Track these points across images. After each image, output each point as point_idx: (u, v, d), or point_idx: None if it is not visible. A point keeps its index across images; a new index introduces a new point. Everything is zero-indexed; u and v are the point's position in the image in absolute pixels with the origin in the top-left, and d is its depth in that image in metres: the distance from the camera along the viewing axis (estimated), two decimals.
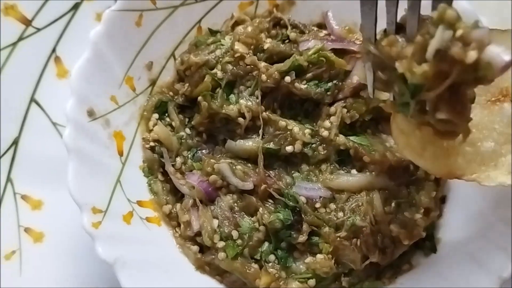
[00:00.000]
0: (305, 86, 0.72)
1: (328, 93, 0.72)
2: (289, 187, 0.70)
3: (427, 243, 0.71)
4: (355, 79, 0.72)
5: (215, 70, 0.72)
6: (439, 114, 0.50)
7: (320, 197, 0.69)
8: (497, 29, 0.55)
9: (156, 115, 0.75)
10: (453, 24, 0.47)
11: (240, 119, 0.71)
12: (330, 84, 0.72)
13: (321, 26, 0.80)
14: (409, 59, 0.49)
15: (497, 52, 0.47)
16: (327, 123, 0.72)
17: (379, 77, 0.55)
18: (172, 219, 0.71)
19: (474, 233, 0.69)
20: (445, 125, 0.51)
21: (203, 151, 0.74)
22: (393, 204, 0.69)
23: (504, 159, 0.55)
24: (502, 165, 0.55)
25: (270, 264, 0.68)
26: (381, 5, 0.64)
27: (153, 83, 0.76)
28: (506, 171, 0.55)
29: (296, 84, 0.72)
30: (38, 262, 0.75)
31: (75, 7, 0.83)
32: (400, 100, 0.53)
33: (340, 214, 0.68)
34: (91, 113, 0.67)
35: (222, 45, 0.75)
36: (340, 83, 0.73)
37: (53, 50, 0.82)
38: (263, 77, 0.71)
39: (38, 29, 0.82)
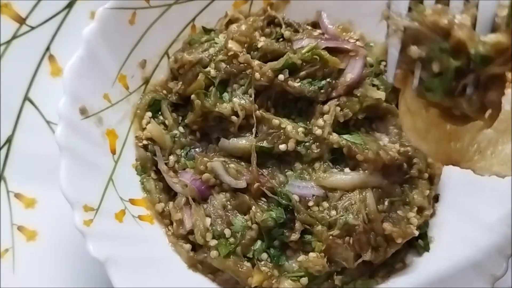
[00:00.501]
0: (299, 84, 0.72)
1: (322, 91, 0.72)
2: (282, 185, 0.70)
3: (420, 242, 0.71)
4: (348, 77, 0.72)
5: (208, 69, 0.72)
6: (491, 95, 0.46)
7: (313, 195, 0.69)
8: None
9: (149, 114, 0.75)
10: None
11: (234, 118, 0.71)
12: (323, 82, 0.72)
13: (316, 25, 0.80)
14: (470, 28, 0.45)
15: None
16: (320, 122, 0.72)
17: (406, 56, 0.49)
18: (164, 218, 0.71)
19: (467, 232, 0.69)
20: (470, 109, 0.47)
21: (197, 149, 0.74)
22: (386, 203, 0.69)
23: (501, 148, 0.54)
24: (498, 154, 0.54)
25: (262, 263, 0.68)
26: None
27: (146, 81, 0.76)
28: (502, 161, 0.53)
29: (290, 82, 0.72)
30: (31, 260, 0.75)
31: (69, 5, 0.83)
32: (431, 81, 0.48)
33: (333, 212, 0.68)
34: (83, 111, 0.67)
35: (216, 43, 0.75)
36: (334, 81, 0.72)
37: (47, 49, 0.82)
38: (257, 75, 0.71)
39: (32, 28, 0.82)
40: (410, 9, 0.48)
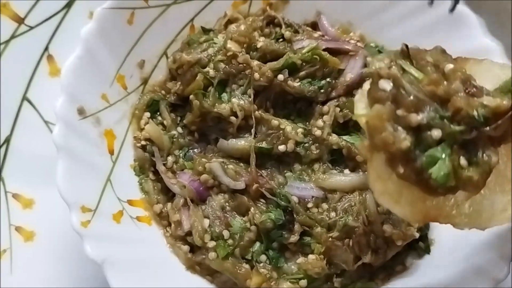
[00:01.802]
0: (298, 84, 0.71)
1: (322, 91, 0.72)
2: (281, 186, 0.69)
3: (421, 244, 0.71)
4: (348, 77, 0.72)
5: (207, 69, 0.72)
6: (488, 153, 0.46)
7: (313, 197, 0.69)
8: (474, 58, 0.54)
9: (147, 114, 0.74)
10: None
11: (232, 118, 0.71)
12: (323, 82, 0.72)
13: (315, 25, 0.80)
14: (466, 95, 0.46)
15: None
16: (320, 122, 0.71)
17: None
18: (163, 219, 0.71)
19: (468, 234, 0.68)
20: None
21: (195, 150, 0.74)
22: None
23: (479, 200, 0.51)
24: (476, 206, 0.51)
25: (261, 264, 0.67)
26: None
27: (145, 81, 0.75)
28: (479, 213, 0.51)
29: (289, 82, 0.71)
30: (29, 261, 0.75)
31: (68, 5, 0.83)
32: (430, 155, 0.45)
33: (333, 214, 0.68)
34: (81, 111, 0.67)
35: (215, 43, 0.74)
36: (334, 81, 0.72)
37: (46, 48, 0.82)
38: (256, 75, 0.70)
39: (31, 27, 0.82)
40: (403, 70, 0.47)
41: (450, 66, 0.48)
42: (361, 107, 0.47)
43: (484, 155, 0.47)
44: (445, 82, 0.46)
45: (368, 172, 0.49)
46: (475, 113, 0.45)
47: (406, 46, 0.49)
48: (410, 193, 0.48)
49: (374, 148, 0.46)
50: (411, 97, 0.45)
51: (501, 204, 0.51)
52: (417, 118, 0.44)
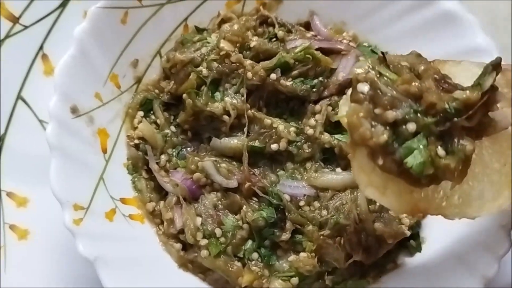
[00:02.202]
0: (291, 83, 0.72)
1: (314, 90, 0.72)
2: (273, 185, 0.70)
3: (412, 242, 0.71)
4: (340, 76, 0.72)
5: (200, 68, 0.72)
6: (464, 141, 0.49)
7: (304, 195, 0.69)
8: (452, 60, 0.56)
9: (141, 113, 0.75)
10: None
11: (225, 117, 0.71)
12: (315, 81, 0.72)
13: (308, 25, 0.81)
14: (437, 91, 0.50)
15: (503, 116, 0.52)
16: (312, 121, 0.72)
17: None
18: (155, 217, 0.71)
19: (459, 233, 0.69)
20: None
21: (188, 149, 0.74)
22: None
23: (468, 190, 0.53)
24: (466, 196, 0.53)
25: (253, 262, 0.68)
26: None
27: (138, 80, 0.76)
28: (470, 202, 0.53)
29: (282, 81, 0.72)
30: (23, 259, 0.75)
31: (63, 4, 0.83)
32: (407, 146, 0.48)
33: (324, 212, 0.68)
34: (74, 110, 0.67)
35: (208, 43, 0.75)
36: (326, 80, 0.73)
37: (41, 48, 0.82)
38: (249, 74, 0.71)
39: (26, 27, 0.82)
40: (380, 74, 0.50)
41: (422, 67, 0.52)
42: (344, 110, 0.51)
43: (460, 144, 0.49)
44: (418, 81, 0.50)
45: (352, 166, 0.52)
46: (446, 105, 0.49)
47: (383, 53, 0.53)
48: (395, 185, 0.50)
49: (355, 144, 0.49)
50: (387, 97, 0.49)
51: (489, 194, 0.53)
52: (393, 114, 0.48)
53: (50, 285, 0.75)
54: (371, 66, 0.50)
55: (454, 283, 0.66)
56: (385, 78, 0.50)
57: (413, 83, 0.49)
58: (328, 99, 0.72)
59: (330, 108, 0.72)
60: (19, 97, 0.81)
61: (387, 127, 0.48)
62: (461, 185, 0.52)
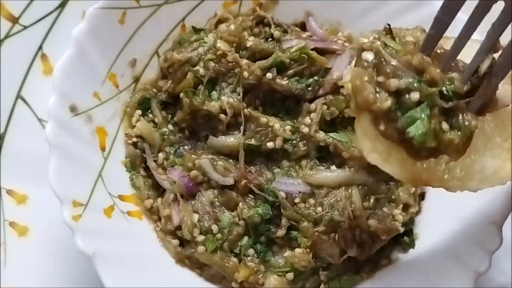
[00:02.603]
0: (286, 82, 0.73)
1: (309, 89, 0.73)
2: (269, 182, 0.71)
3: (406, 239, 0.72)
4: (335, 75, 0.73)
5: (197, 67, 0.73)
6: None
7: (300, 192, 0.70)
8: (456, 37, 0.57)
9: (139, 112, 0.76)
10: None
11: (222, 116, 0.72)
12: (310, 80, 0.73)
13: (304, 25, 0.82)
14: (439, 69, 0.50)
15: (505, 93, 0.52)
16: (307, 120, 0.73)
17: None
18: (153, 214, 0.72)
19: (452, 229, 0.70)
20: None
21: (185, 147, 0.75)
22: (372, 200, 0.70)
23: (470, 163, 0.54)
24: (467, 169, 0.54)
25: (249, 258, 0.69)
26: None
27: (136, 80, 0.77)
28: (471, 175, 0.54)
29: (278, 80, 0.73)
30: (22, 255, 0.76)
31: (62, 5, 0.84)
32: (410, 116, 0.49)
33: (319, 209, 0.69)
34: (73, 109, 0.68)
35: (205, 43, 0.76)
36: (321, 79, 0.74)
37: (40, 48, 0.83)
38: (245, 74, 0.72)
39: (25, 27, 0.83)
40: (385, 45, 0.51)
41: None
42: (348, 77, 0.51)
43: (465, 120, 0.50)
44: (420, 54, 0.50)
45: (356, 131, 0.52)
46: (443, 88, 0.49)
47: (389, 25, 0.53)
48: (398, 153, 0.51)
49: (359, 109, 0.50)
50: (390, 66, 0.49)
51: (491, 167, 0.54)
52: (395, 82, 0.48)
53: (49, 281, 0.76)
54: (376, 36, 0.51)
55: (447, 278, 0.67)
56: (390, 49, 0.50)
57: (415, 56, 0.49)
58: (323, 98, 0.73)
59: (325, 107, 0.73)
60: (18, 96, 0.82)
61: (391, 95, 0.48)
62: (464, 158, 0.53)
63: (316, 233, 0.68)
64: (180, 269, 0.70)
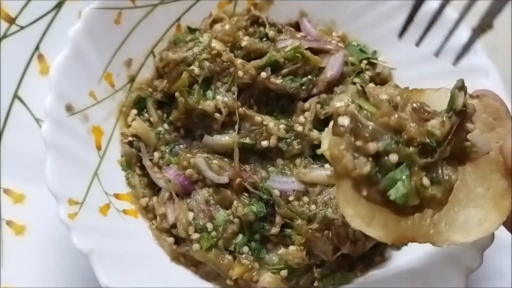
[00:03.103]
0: (281, 81, 0.74)
1: (303, 87, 0.74)
2: (263, 180, 0.71)
3: None
4: (328, 73, 0.74)
5: (192, 67, 0.74)
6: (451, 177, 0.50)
7: (294, 190, 0.71)
8: (431, 88, 0.58)
9: (134, 111, 0.76)
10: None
11: (217, 115, 0.73)
12: (304, 79, 0.74)
13: (298, 25, 0.82)
14: (418, 123, 0.51)
15: (484, 141, 0.54)
16: (301, 119, 0.73)
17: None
18: (148, 212, 0.73)
19: None
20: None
21: (181, 146, 0.76)
22: None
23: (454, 217, 0.54)
24: (452, 223, 0.54)
25: (243, 256, 0.70)
26: None
27: (132, 79, 0.77)
28: (457, 228, 0.54)
29: (272, 79, 0.73)
30: (19, 254, 0.77)
31: (59, 5, 0.85)
32: (391, 177, 0.49)
33: (313, 206, 0.70)
34: (69, 108, 0.69)
35: (200, 42, 0.76)
36: (315, 78, 0.74)
37: (37, 48, 0.84)
38: (240, 73, 0.73)
39: (22, 27, 0.84)
40: (360, 107, 0.51)
41: (399, 97, 0.53)
42: (326, 143, 0.51)
43: (444, 174, 0.51)
44: (396, 114, 0.50)
45: (337, 198, 0.52)
46: (427, 140, 0.50)
47: (362, 86, 0.55)
48: (381, 215, 0.51)
49: (339, 176, 0.50)
50: (367, 129, 0.49)
51: (475, 218, 0.54)
52: (374, 146, 0.48)
53: (46, 280, 0.76)
54: (350, 100, 0.51)
55: (439, 274, 0.68)
56: (365, 111, 0.50)
57: (392, 117, 0.50)
58: (317, 97, 0.74)
59: (319, 105, 0.73)
60: (15, 96, 0.82)
61: (370, 159, 0.48)
62: (447, 212, 0.53)
63: (310, 230, 0.68)
64: (175, 267, 0.70)
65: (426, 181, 0.49)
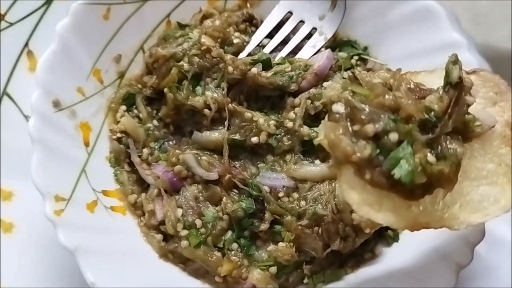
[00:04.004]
0: (271, 74, 0.73)
1: (293, 80, 0.73)
2: (253, 177, 0.71)
3: (390, 232, 0.72)
4: (316, 65, 0.73)
5: (181, 63, 0.73)
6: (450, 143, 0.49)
7: (284, 186, 0.70)
8: (425, 70, 0.57)
9: (124, 107, 0.76)
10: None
11: (206, 111, 0.72)
12: (293, 73, 0.73)
13: None
14: (414, 100, 0.50)
15: (487, 115, 0.53)
16: (291, 114, 0.73)
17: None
18: (137, 209, 0.72)
19: None
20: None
21: (170, 142, 0.75)
22: None
23: (468, 197, 0.52)
24: (467, 204, 0.52)
25: (233, 252, 0.69)
26: None
27: (121, 75, 0.77)
28: (472, 209, 0.52)
29: (263, 73, 0.73)
30: (8, 252, 0.76)
31: (48, 2, 0.85)
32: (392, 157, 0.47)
33: (303, 203, 0.69)
34: (56, 104, 0.68)
35: (190, 38, 0.76)
36: (303, 72, 0.74)
37: (26, 44, 0.84)
38: (230, 68, 0.72)
39: (11, 24, 0.84)
40: (353, 92, 0.50)
41: (391, 80, 0.52)
42: (322, 134, 0.50)
43: (449, 148, 0.49)
44: (391, 93, 0.49)
45: (341, 186, 0.50)
46: (426, 116, 0.49)
47: (353, 73, 0.53)
48: (390, 201, 0.49)
49: (340, 163, 0.48)
50: (363, 112, 0.48)
51: (490, 196, 0.52)
52: (372, 127, 0.47)
53: (35, 277, 0.75)
54: (343, 86, 0.50)
55: (430, 271, 0.67)
56: (360, 96, 0.49)
57: (387, 96, 0.49)
58: (306, 92, 0.73)
59: (309, 101, 0.73)
60: (4, 93, 0.82)
61: (369, 142, 0.47)
62: (460, 192, 0.51)
63: (300, 227, 0.68)
64: (164, 264, 0.70)
65: (431, 157, 0.48)
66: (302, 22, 0.79)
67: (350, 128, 0.47)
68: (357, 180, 0.48)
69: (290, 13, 0.79)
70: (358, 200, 0.49)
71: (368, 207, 0.49)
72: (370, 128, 0.47)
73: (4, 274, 0.75)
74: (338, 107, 0.48)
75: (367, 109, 0.48)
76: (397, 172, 0.46)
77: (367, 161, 0.47)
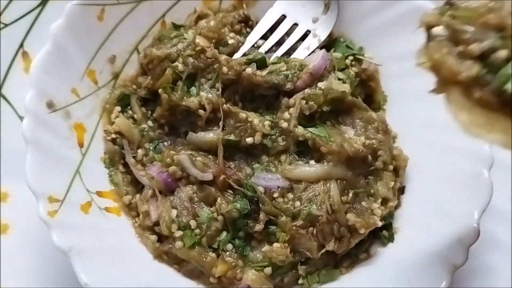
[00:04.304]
0: (266, 73, 0.73)
1: (288, 79, 0.72)
2: (248, 177, 0.71)
3: (385, 233, 0.72)
4: (311, 65, 0.73)
5: (176, 63, 0.73)
6: None
7: (278, 187, 0.70)
8: None
9: (118, 108, 0.76)
10: None
11: (201, 111, 0.72)
12: (288, 72, 0.73)
13: None
14: None
15: None
16: (286, 115, 0.73)
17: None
18: (132, 210, 0.72)
19: (431, 223, 0.70)
20: None
21: (165, 143, 0.75)
22: (350, 194, 0.70)
23: None
24: None
25: (227, 253, 0.69)
26: None
27: (116, 76, 0.77)
28: None
29: (258, 72, 0.73)
30: (3, 253, 0.76)
31: (43, 3, 0.85)
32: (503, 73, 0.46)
33: (297, 203, 0.69)
34: (50, 105, 0.68)
35: (185, 39, 0.76)
36: (299, 72, 0.73)
37: (21, 45, 0.84)
38: (224, 69, 0.72)
39: (6, 25, 0.84)
40: (453, 17, 0.49)
41: (492, 3, 0.49)
42: (422, 57, 0.49)
43: None
44: (495, 13, 0.48)
45: (450, 108, 0.49)
46: None
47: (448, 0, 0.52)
48: (500, 122, 0.48)
49: (445, 84, 0.48)
50: (467, 33, 0.47)
51: None
52: (478, 46, 0.46)
53: (30, 278, 0.75)
54: (440, 12, 0.49)
55: (425, 271, 0.67)
56: (461, 19, 0.48)
57: (492, 14, 0.47)
58: (301, 93, 0.73)
59: (304, 101, 0.73)
60: None
61: (476, 61, 0.46)
62: None
63: (294, 227, 0.68)
64: (158, 265, 0.69)
65: None
66: (296, 24, 0.79)
67: (453, 51, 0.47)
68: (465, 101, 0.48)
69: (284, 16, 0.79)
70: (468, 121, 0.49)
71: (478, 128, 0.49)
72: (476, 47, 0.46)
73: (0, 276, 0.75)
74: (439, 30, 0.48)
75: (470, 30, 0.47)
76: (509, 87, 0.45)
77: (474, 80, 0.46)
